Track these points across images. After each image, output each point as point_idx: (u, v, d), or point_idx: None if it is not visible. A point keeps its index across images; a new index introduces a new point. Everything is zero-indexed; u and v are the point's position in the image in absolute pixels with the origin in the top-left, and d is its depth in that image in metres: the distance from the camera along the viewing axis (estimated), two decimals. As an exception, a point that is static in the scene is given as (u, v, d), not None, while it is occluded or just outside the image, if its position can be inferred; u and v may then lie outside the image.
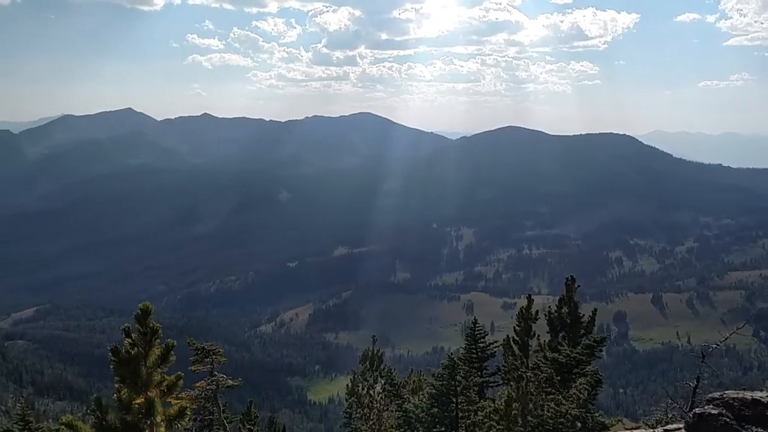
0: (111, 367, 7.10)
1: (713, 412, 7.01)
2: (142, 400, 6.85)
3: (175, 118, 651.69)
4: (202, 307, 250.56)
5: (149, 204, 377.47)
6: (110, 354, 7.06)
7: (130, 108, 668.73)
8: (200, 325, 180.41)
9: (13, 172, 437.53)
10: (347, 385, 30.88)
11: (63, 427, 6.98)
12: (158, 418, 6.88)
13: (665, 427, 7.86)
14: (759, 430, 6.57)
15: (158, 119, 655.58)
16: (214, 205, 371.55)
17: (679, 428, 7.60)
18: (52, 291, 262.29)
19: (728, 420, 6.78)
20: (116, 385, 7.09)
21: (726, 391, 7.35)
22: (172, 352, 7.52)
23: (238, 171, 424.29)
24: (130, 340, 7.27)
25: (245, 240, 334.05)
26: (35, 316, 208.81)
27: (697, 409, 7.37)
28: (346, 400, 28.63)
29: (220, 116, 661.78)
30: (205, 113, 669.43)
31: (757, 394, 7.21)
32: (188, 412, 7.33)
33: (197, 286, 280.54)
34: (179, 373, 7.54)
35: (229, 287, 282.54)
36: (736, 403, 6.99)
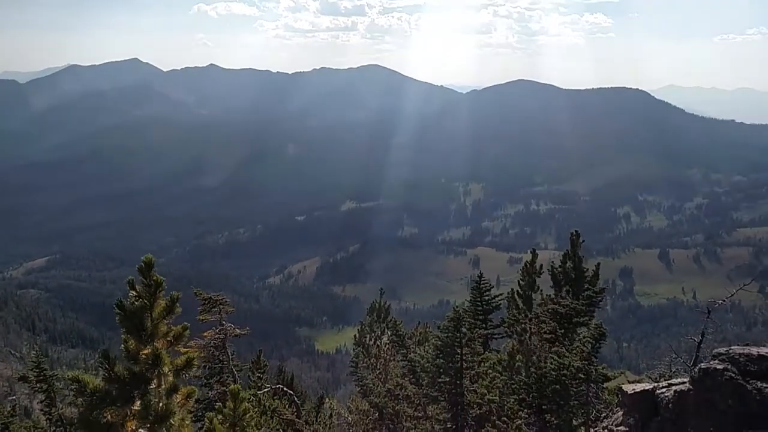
0: (117, 320, 7.16)
1: (718, 367, 6.99)
2: (149, 351, 6.92)
3: (182, 69, 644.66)
4: (210, 259, 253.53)
5: (157, 155, 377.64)
6: (116, 308, 7.12)
7: (136, 58, 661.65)
8: (209, 277, 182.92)
9: (19, 123, 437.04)
10: (354, 335, 31.34)
11: (71, 381, 7.06)
12: (165, 369, 6.97)
13: (669, 381, 7.87)
14: (764, 385, 6.55)
15: (164, 70, 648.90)
16: (222, 157, 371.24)
17: (684, 382, 7.60)
18: (62, 242, 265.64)
19: (733, 375, 6.76)
20: (123, 337, 7.16)
21: (732, 347, 7.31)
22: (178, 304, 7.55)
23: (245, 123, 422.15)
24: (134, 293, 7.30)
25: (253, 192, 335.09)
26: (47, 266, 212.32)
27: (702, 364, 7.35)
28: (353, 350, 29.08)
29: (226, 67, 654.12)
30: (211, 64, 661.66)
31: (763, 350, 7.18)
32: (195, 362, 7.42)
33: (206, 237, 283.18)
34: (185, 323, 7.60)
35: (237, 239, 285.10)
36: (741, 359, 6.96)
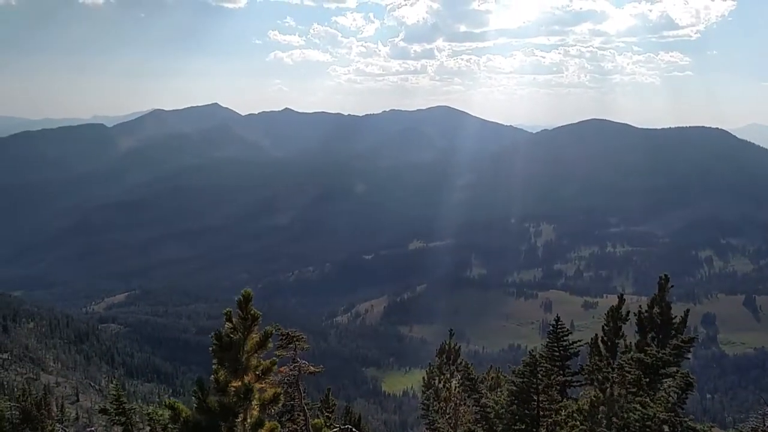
0: (211, 350, 7.36)
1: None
2: (240, 383, 7.06)
3: (258, 113, 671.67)
4: (281, 296, 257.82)
5: (233, 195, 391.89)
6: (213, 338, 7.33)
7: (216, 103, 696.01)
8: (280, 313, 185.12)
9: (105, 165, 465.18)
10: (423, 377, 30.89)
11: (166, 408, 7.28)
12: (254, 402, 7.09)
13: (766, 427, 7.32)
14: None
15: (242, 114, 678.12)
16: (294, 197, 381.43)
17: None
18: (141, 277, 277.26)
19: None
20: (214, 368, 7.35)
21: None
22: (269, 339, 7.72)
23: (316, 164, 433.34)
24: (230, 325, 7.50)
25: (322, 231, 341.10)
26: (126, 301, 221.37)
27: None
28: (423, 393, 28.62)
29: (300, 111, 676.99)
30: (286, 108, 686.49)
31: None
32: (281, 398, 7.51)
33: (277, 275, 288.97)
34: (274, 358, 7.74)
35: (306, 277, 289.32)
36: None
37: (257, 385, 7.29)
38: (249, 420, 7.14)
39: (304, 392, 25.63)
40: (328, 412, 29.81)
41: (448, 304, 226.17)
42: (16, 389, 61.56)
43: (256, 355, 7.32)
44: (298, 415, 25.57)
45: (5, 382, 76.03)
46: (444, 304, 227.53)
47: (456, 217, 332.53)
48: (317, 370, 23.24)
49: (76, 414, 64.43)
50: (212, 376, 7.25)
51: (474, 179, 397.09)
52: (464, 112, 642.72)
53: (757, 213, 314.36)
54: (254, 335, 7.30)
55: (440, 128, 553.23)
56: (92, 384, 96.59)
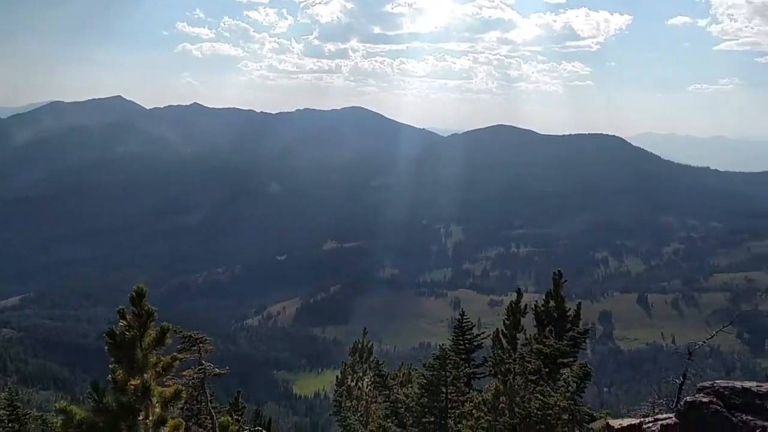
0: (106, 349, 7.10)
1: (704, 400, 7.10)
2: (138, 381, 6.85)
3: (165, 107, 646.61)
4: (188, 298, 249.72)
5: (138, 192, 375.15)
6: (106, 337, 7.07)
7: (119, 96, 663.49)
8: (186, 316, 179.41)
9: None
10: (336, 377, 30.96)
11: (58, 413, 6.96)
12: (155, 400, 6.89)
13: (656, 416, 7.97)
14: (748, 417, 6.67)
15: (148, 107, 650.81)
16: (203, 196, 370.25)
17: (670, 417, 7.71)
18: (38, 279, 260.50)
19: (719, 408, 6.88)
20: (111, 367, 7.09)
21: (716, 381, 7.46)
22: (168, 335, 7.53)
23: (227, 161, 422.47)
24: (125, 322, 7.26)
25: (234, 231, 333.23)
26: (20, 304, 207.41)
27: (688, 398, 7.47)
28: (335, 391, 28.70)
29: (210, 106, 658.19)
30: (194, 102, 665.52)
31: (747, 384, 7.33)
32: (183, 394, 7.34)
33: (184, 276, 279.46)
34: (174, 354, 7.55)
35: (216, 279, 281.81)
36: (726, 392, 7.09)
37: (157, 384, 7.10)
38: (151, 418, 6.94)
39: (211, 395, 25.03)
40: (237, 415, 29.22)
41: (362, 305, 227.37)
42: None
43: (154, 352, 7.12)
44: (206, 418, 24.94)
45: None
46: (357, 305, 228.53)
47: (370, 218, 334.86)
48: (223, 372, 22.79)
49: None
50: (109, 375, 7.01)
51: (388, 181, 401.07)
52: (379, 114, 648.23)
53: (650, 216, 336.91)
54: (151, 332, 7.11)
55: (355, 129, 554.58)
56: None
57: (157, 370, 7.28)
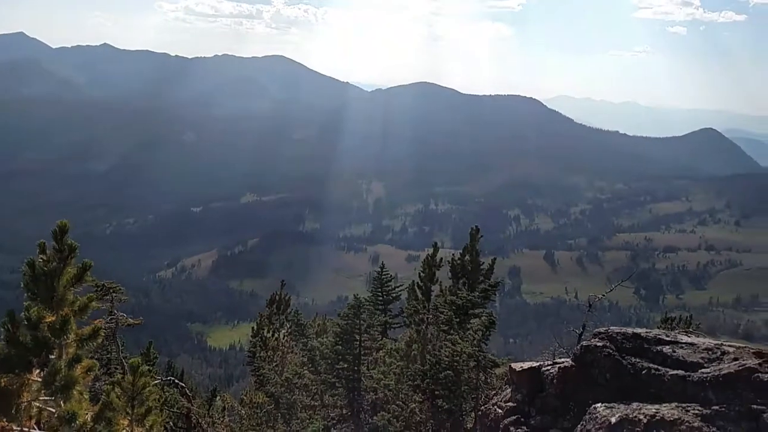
0: (22, 283, 6.78)
1: (598, 344, 7.65)
2: (54, 318, 6.60)
3: (72, 47, 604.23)
4: (96, 249, 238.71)
5: (43, 137, 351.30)
6: (25, 266, 6.74)
7: (21, 32, 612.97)
8: (94, 268, 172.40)
9: None
10: (252, 328, 30.94)
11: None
12: (71, 337, 6.68)
13: (554, 360, 8.55)
14: (637, 360, 7.24)
15: (53, 47, 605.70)
16: (113, 142, 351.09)
17: (567, 360, 8.28)
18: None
19: (611, 351, 7.44)
20: (26, 304, 6.79)
21: (610, 327, 8.06)
22: (89, 273, 7.27)
23: (140, 107, 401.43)
24: (44, 257, 6.95)
25: (145, 181, 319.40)
26: None
27: (583, 342, 8.04)
28: (250, 342, 28.72)
29: (121, 48, 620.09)
30: (105, 43, 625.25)
31: (637, 330, 7.96)
32: (101, 333, 7.15)
33: (91, 226, 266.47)
34: (91, 294, 7.31)
35: (126, 230, 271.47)
36: (618, 337, 7.67)
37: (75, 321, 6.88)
38: (65, 356, 6.74)
39: (122, 346, 24.43)
40: (149, 365, 28.74)
41: (280, 259, 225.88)
42: None
43: (72, 289, 6.88)
44: (116, 368, 24.37)
45: None
46: (276, 259, 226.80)
47: (291, 171, 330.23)
48: (136, 322, 22.24)
49: None
50: (23, 312, 6.72)
51: (309, 134, 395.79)
52: (301, 65, 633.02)
53: (560, 177, 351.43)
54: (70, 269, 6.86)
55: (276, 79, 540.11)
56: None
57: (74, 309, 7.04)
